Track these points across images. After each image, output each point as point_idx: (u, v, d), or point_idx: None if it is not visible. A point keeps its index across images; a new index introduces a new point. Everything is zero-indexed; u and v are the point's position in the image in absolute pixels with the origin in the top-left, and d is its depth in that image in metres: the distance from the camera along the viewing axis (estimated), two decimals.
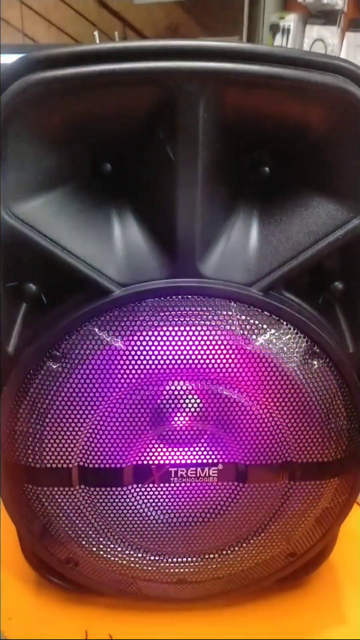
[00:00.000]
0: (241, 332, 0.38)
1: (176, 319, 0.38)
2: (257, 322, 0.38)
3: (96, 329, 0.38)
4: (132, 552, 0.44)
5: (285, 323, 0.39)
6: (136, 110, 0.35)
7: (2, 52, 0.89)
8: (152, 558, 0.45)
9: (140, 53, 0.33)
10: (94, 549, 0.44)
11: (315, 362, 0.40)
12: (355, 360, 0.42)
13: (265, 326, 0.39)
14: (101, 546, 0.44)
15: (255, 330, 0.38)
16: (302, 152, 0.38)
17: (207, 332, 0.38)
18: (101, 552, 0.44)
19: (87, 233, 0.38)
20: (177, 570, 0.45)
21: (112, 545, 0.44)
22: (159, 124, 0.35)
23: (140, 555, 0.44)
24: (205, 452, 0.41)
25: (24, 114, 0.34)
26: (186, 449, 0.41)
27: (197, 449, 0.41)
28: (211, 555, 0.45)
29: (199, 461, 0.41)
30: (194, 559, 0.45)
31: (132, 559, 0.44)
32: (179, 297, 0.38)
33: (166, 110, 0.34)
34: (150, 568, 0.45)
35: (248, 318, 0.38)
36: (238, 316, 0.38)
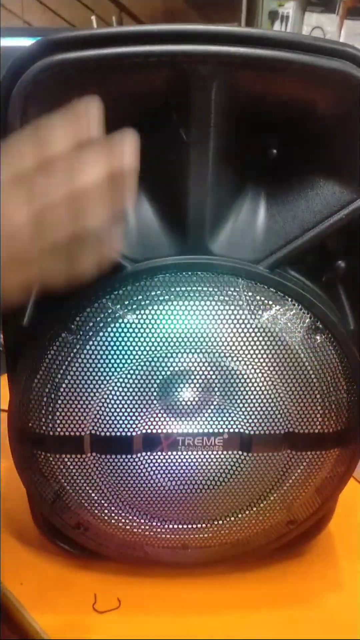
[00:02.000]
0: (248, 307, 0.40)
1: (186, 294, 0.39)
2: (263, 298, 0.40)
3: (109, 303, 0.40)
4: (138, 519, 0.46)
5: (289, 299, 0.40)
6: (150, 92, 0.37)
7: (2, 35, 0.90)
8: (158, 524, 0.47)
9: (156, 36, 0.34)
10: (103, 514, 0.46)
11: (318, 337, 0.41)
12: (357, 336, 0.44)
13: (270, 302, 0.40)
14: (109, 512, 0.46)
15: (261, 306, 0.40)
16: (308, 135, 0.39)
17: (216, 307, 0.39)
18: (109, 518, 0.46)
19: None
20: (181, 535, 0.47)
21: (119, 512, 0.46)
22: (173, 105, 0.37)
23: (146, 521, 0.46)
24: (211, 422, 0.43)
25: (44, 93, 0.35)
26: (193, 418, 0.43)
27: (203, 418, 0.43)
28: (215, 522, 0.47)
29: (206, 430, 0.43)
30: (199, 525, 0.47)
31: (139, 524, 0.46)
32: (189, 273, 0.40)
33: (180, 92, 0.36)
34: (155, 533, 0.47)
35: (254, 294, 0.40)
36: (245, 292, 0.40)
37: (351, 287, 0.44)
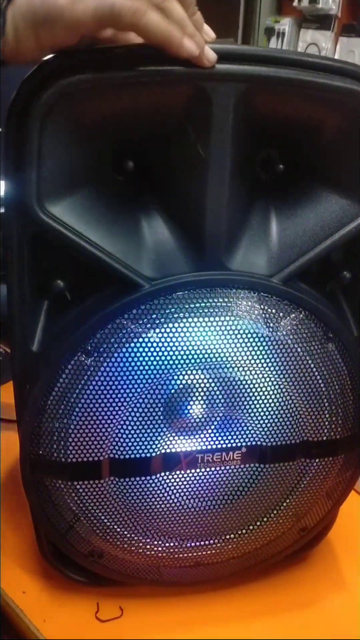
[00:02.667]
0: (264, 321, 0.40)
1: (204, 311, 0.39)
2: (278, 311, 0.41)
3: (128, 322, 0.39)
4: (155, 540, 0.45)
5: (303, 310, 0.41)
6: (168, 110, 0.37)
7: None
8: (174, 544, 0.46)
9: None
10: (118, 540, 0.45)
11: (329, 346, 0.43)
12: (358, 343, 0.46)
13: (284, 314, 0.41)
14: (125, 537, 0.45)
15: (277, 319, 0.41)
16: (315, 150, 0.40)
17: (233, 322, 0.40)
18: (125, 543, 0.45)
19: (116, 230, 0.39)
20: (196, 553, 0.47)
21: (136, 536, 0.45)
22: (191, 122, 0.37)
23: (162, 542, 0.46)
24: (230, 437, 0.43)
25: (61, 113, 0.35)
26: (212, 435, 0.43)
27: (222, 434, 0.43)
28: (229, 537, 0.47)
29: (224, 446, 0.43)
30: (212, 541, 0.47)
31: (155, 546, 0.46)
32: (207, 289, 0.40)
33: (199, 109, 0.36)
34: (171, 554, 0.46)
35: (270, 308, 0.41)
36: (261, 306, 0.40)
37: (353, 295, 0.45)
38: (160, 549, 0.46)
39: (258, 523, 0.47)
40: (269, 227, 0.41)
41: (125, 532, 0.45)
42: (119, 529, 0.44)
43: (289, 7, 1.82)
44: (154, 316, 0.39)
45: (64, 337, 0.40)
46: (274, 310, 0.41)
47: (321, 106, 0.38)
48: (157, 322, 0.39)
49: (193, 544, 0.47)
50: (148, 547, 0.46)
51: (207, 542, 0.47)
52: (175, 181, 0.39)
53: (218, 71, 0.35)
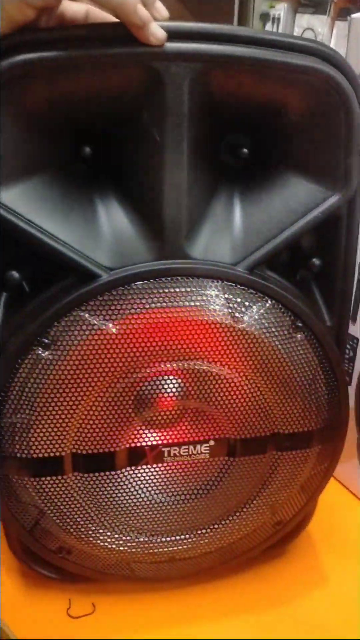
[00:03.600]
0: (228, 310, 0.39)
1: (166, 301, 0.38)
2: (243, 299, 0.39)
3: (86, 314, 0.38)
4: (125, 536, 0.44)
5: (269, 299, 0.40)
6: (121, 93, 0.35)
7: None
8: (145, 539, 0.45)
9: (127, 35, 0.33)
10: (87, 536, 0.44)
11: (298, 336, 0.41)
12: (333, 333, 0.44)
13: (250, 303, 0.40)
14: (94, 533, 0.44)
15: (242, 308, 0.39)
16: (280, 133, 0.39)
17: (196, 313, 0.38)
18: (94, 539, 0.44)
19: (72, 218, 0.38)
20: (168, 548, 0.46)
21: (104, 531, 0.44)
22: (144, 105, 0.35)
23: (133, 537, 0.45)
24: (197, 430, 0.42)
25: (9, 95, 0.33)
26: (177, 428, 0.41)
27: (189, 427, 0.41)
28: (202, 531, 0.46)
29: (191, 439, 0.42)
30: (186, 536, 0.46)
31: (125, 542, 0.45)
32: (168, 279, 0.38)
33: (152, 92, 0.34)
34: (142, 549, 0.45)
35: (235, 297, 0.39)
36: (225, 295, 0.39)
37: (325, 283, 0.44)
38: (131, 544, 0.45)
39: (231, 517, 0.46)
40: (233, 214, 0.40)
41: (93, 527, 0.44)
42: (86, 524, 0.43)
43: None
44: (113, 308, 0.38)
45: (21, 330, 0.39)
46: (238, 300, 0.39)
47: (283, 86, 0.36)
48: (117, 314, 0.38)
49: (166, 539, 0.46)
50: (118, 542, 0.45)
51: (180, 537, 0.46)
52: (133, 167, 0.38)
53: (169, 50, 0.33)
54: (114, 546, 0.45)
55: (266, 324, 0.40)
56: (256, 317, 0.40)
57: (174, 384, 0.40)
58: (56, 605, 0.48)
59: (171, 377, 0.40)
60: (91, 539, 0.44)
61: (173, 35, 0.33)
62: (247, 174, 0.40)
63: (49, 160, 0.37)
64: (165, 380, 0.40)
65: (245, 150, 0.40)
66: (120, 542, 0.45)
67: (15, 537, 0.47)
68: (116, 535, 0.44)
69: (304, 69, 0.35)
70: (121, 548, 0.45)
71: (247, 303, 0.40)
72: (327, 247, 0.42)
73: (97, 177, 0.39)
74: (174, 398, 0.40)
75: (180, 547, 0.46)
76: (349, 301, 0.44)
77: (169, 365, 0.39)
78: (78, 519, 0.43)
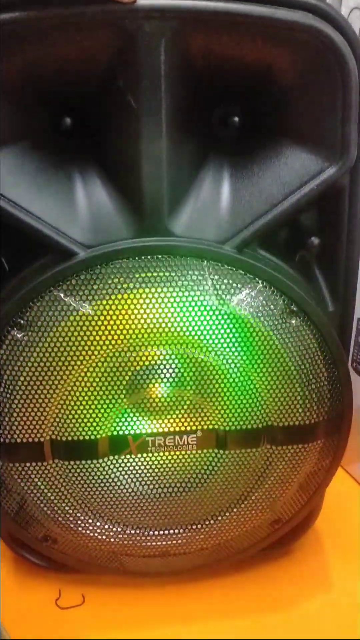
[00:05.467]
0: (215, 292, 0.36)
1: (147, 281, 0.36)
2: (231, 281, 0.37)
3: (62, 294, 0.36)
4: (111, 527, 0.43)
5: (260, 281, 0.37)
6: (93, 57, 0.33)
7: None
8: (133, 532, 0.43)
9: None
10: (72, 525, 0.42)
11: (293, 321, 0.38)
12: (336, 319, 0.41)
13: (239, 285, 0.37)
14: (79, 522, 0.42)
15: (230, 290, 0.37)
16: (271, 100, 0.36)
17: (180, 294, 0.36)
18: (79, 528, 0.42)
19: (48, 193, 0.36)
20: (160, 543, 0.44)
21: (90, 521, 0.42)
22: (119, 70, 0.33)
23: (119, 529, 0.43)
24: (183, 420, 0.39)
25: None
26: (163, 417, 0.39)
27: (174, 416, 0.39)
28: (194, 527, 0.43)
29: (177, 429, 0.39)
30: (177, 531, 0.43)
31: (112, 533, 0.43)
32: (149, 257, 0.36)
33: (125, 54, 0.32)
34: (131, 542, 0.44)
35: (221, 277, 0.37)
36: (211, 275, 0.36)
37: (327, 265, 0.40)
38: (118, 536, 0.43)
39: (226, 514, 0.43)
40: (221, 188, 0.37)
41: (80, 516, 0.42)
42: (72, 513, 0.42)
43: None
44: (90, 288, 0.36)
45: None
46: (226, 281, 0.37)
47: (270, 46, 0.33)
48: (95, 294, 0.36)
49: (156, 533, 0.43)
50: (104, 532, 0.43)
51: (172, 532, 0.44)
52: (111, 139, 0.36)
53: (141, 7, 0.31)
54: (103, 537, 0.43)
55: (256, 308, 0.37)
56: (245, 300, 0.37)
57: (156, 370, 0.38)
58: (46, 595, 0.47)
59: (153, 363, 0.37)
60: (78, 527, 0.42)
61: None
62: (238, 146, 0.37)
63: (22, 133, 0.35)
64: (146, 366, 0.37)
65: (235, 119, 0.37)
66: (110, 533, 0.43)
67: (3, 525, 0.46)
68: (106, 526, 0.43)
69: (291, 25, 0.31)
70: (111, 540, 0.43)
71: (235, 284, 0.37)
72: (328, 225, 0.39)
73: (77, 150, 0.37)
74: (156, 385, 0.38)
75: (172, 542, 0.44)
76: (354, 284, 0.40)
77: (150, 350, 0.37)
78: (62, 507, 0.41)
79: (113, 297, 0.36)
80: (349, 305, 0.41)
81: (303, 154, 0.36)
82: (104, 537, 0.43)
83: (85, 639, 0.43)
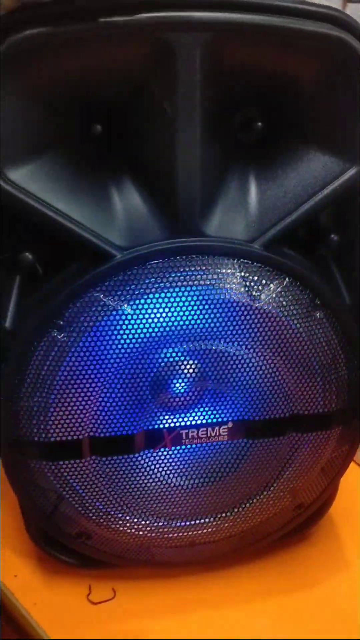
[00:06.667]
0: (245, 289, 0.38)
1: (181, 280, 0.37)
2: (260, 277, 0.39)
3: (101, 295, 0.37)
4: (144, 520, 0.44)
5: (287, 277, 0.39)
6: (129, 66, 0.34)
7: None
8: (164, 523, 0.45)
9: (133, 5, 0.32)
10: (106, 520, 0.43)
11: (317, 314, 0.40)
12: (352, 311, 0.43)
13: (267, 281, 0.39)
14: (113, 517, 0.43)
15: (259, 286, 0.39)
16: (295, 105, 0.38)
17: (212, 291, 0.38)
18: (113, 524, 0.44)
19: (84, 197, 0.37)
20: (189, 533, 0.45)
21: (123, 516, 0.43)
22: (154, 79, 0.34)
23: (152, 522, 0.44)
24: (215, 412, 0.41)
25: (15, 72, 0.33)
26: (195, 410, 0.41)
27: (206, 409, 0.41)
28: (223, 515, 0.45)
29: (209, 421, 0.41)
30: (206, 520, 0.45)
31: (144, 526, 0.44)
32: (183, 257, 0.37)
33: (162, 63, 0.34)
34: (162, 534, 0.45)
35: (251, 275, 0.38)
36: (241, 273, 0.38)
37: (344, 261, 0.43)
38: (149, 528, 0.44)
39: (253, 500, 0.45)
40: (248, 190, 0.39)
41: (112, 512, 0.43)
42: (104, 509, 0.43)
43: None
44: (128, 288, 0.37)
45: (35, 312, 0.38)
46: (255, 278, 0.39)
47: (298, 55, 0.35)
48: (132, 294, 0.37)
49: (186, 523, 0.45)
50: (136, 526, 0.44)
51: (200, 521, 0.45)
52: (144, 144, 0.37)
53: (179, 19, 0.32)
54: (133, 530, 0.44)
55: (284, 302, 0.39)
56: (273, 295, 0.39)
57: (191, 365, 0.39)
58: (76, 591, 0.48)
59: (188, 358, 0.39)
60: (111, 523, 0.44)
61: (181, 4, 0.32)
62: (262, 149, 0.39)
63: (59, 139, 0.37)
64: (182, 361, 0.39)
65: (259, 124, 0.39)
66: (140, 526, 0.44)
67: (34, 524, 0.47)
68: (135, 520, 0.44)
69: (317, 36, 0.34)
70: (141, 532, 0.45)
71: (263, 281, 0.39)
72: (345, 223, 0.41)
73: (108, 155, 0.38)
74: (191, 379, 0.40)
75: (201, 531, 0.46)
76: None
77: (185, 346, 0.38)
78: (97, 503, 0.42)
79: (151, 296, 0.37)
80: None
81: (325, 156, 0.38)
82: (135, 530, 0.44)
83: (122, 630, 0.44)
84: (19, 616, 0.46)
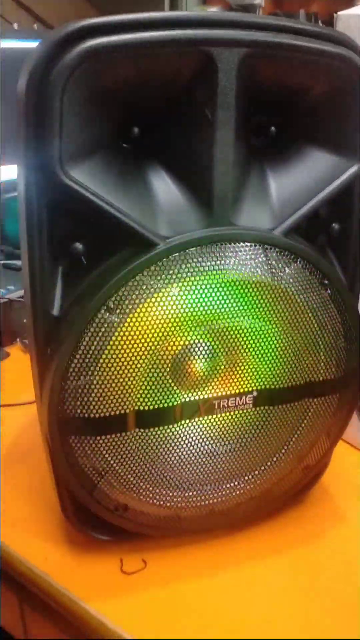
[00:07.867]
0: (270, 271, 0.44)
1: (218, 264, 0.42)
2: (280, 261, 0.44)
3: (147, 278, 0.41)
4: (175, 492, 0.48)
5: (301, 260, 0.45)
6: (176, 75, 0.39)
7: None
8: (191, 493, 0.49)
9: (186, 22, 0.37)
10: (141, 492, 0.47)
11: (324, 293, 0.47)
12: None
13: (284, 265, 0.45)
14: (146, 489, 0.47)
15: (280, 269, 0.44)
16: (305, 112, 0.44)
17: (244, 274, 0.43)
18: (146, 496, 0.47)
19: (130, 192, 0.41)
20: (217, 499, 0.50)
21: (159, 490, 0.47)
22: (197, 87, 0.39)
23: (179, 492, 0.48)
24: (242, 382, 0.46)
25: (81, 77, 0.36)
26: (226, 381, 0.46)
27: (237, 379, 0.46)
28: (246, 477, 0.50)
29: (238, 391, 0.46)
30: (233, 484, 0.50)
31: (176, 497, 0.48)
32: (217, 244, 0.42)
33: (205, 74, 0.39)
34: (189, 502, 0.49)
35: (273, 260, 0.44)
36: (267, 259, 0.44)
37: (340, 248, 0.49)
38: (180, 498, 0.49)
39: (268, 463, 0.51)
40: (268, 185, 0.45)
41: (148, 486, 0.47)
42: (141, 484, 0.47)
43: None
44: (172, 272, 0.42)
45: (86, 298, 0.42)
46: (277, 262, 0.44)
47: (314, 70, 0.41)
48: (174, 277, 0.42)
49: (212, 488, 0.49)
50: (168, 497, 0.48)
51: (229, 485, 0.50)
52: (183, 144, 0.42)
53: (224, 36, 0.38)
54: (164, 502, 0.48)
55: (300, 283, 0.45)
56: (292, 276, 0.45)
57: (224, 340, 0.44)
58: (109, 565, 0.51)
59: (221, 334, 0.44)
60: (146, 497, 0.47)
61: (224, 23, 0.38)
62: (276, 151, 0.45)
63: (110, 140, 0.41)
64: (218, 336, 0.44)
65: (272, 128, 0.45)
66: (171, 497, 0.48)
67: (68, 502, 0.49)
68: (167, 492, 0.48)
69: (334, 55, 0.40)
70: (171, 504, 0.49)
71: (283, 265, 0.45)
72: (342, 214, 0.48)
73: (148, 155, 0.43)
74: (222, 354, 0.45)
75: (221, 499, 0.50)
76: None
77: (221, 323, 0.43)
78: (135, 479, 0.46)
79: (190, 278, 0.42)
80: (356, 281, 0.50)
81: (331, 156, 0.45)
82: (167, 502, 0.48)
83: (157, 597, 0.48)
84: (56, 593, 0.48)
